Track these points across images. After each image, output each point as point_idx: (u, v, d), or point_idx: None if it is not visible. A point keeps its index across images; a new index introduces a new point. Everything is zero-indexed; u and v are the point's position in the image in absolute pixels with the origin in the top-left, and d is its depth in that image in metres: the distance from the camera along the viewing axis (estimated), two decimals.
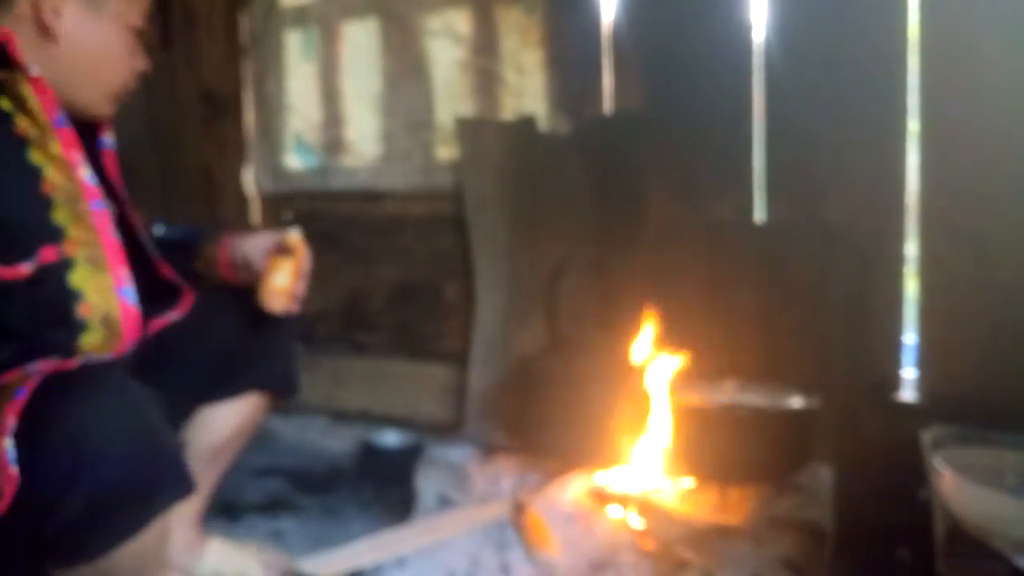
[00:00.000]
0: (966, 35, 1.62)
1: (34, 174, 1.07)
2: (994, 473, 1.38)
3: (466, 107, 2.23)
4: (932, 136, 1.69)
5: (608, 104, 2.04)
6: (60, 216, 1.08)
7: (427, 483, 1.67)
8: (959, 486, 1.31)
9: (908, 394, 1.75)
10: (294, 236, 1.32)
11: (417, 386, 2.34)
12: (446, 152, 2.28)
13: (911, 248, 1.73)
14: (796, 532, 1.37)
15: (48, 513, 0.92)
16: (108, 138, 1.28)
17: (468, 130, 2.18)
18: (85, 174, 1.12)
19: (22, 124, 1.08)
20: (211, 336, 1.34)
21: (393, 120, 2.35)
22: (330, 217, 2.41)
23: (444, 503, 1.61)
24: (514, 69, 2.16)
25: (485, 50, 2.19)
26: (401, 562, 1.40)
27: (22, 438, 0.92)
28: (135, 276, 1.28)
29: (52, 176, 1.09)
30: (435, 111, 2.28)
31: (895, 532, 1.57)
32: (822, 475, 1.56)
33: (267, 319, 1.33)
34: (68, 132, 1.11)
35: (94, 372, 1.00)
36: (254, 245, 1.35)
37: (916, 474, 1.47)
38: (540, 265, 2.09)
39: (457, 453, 1.76)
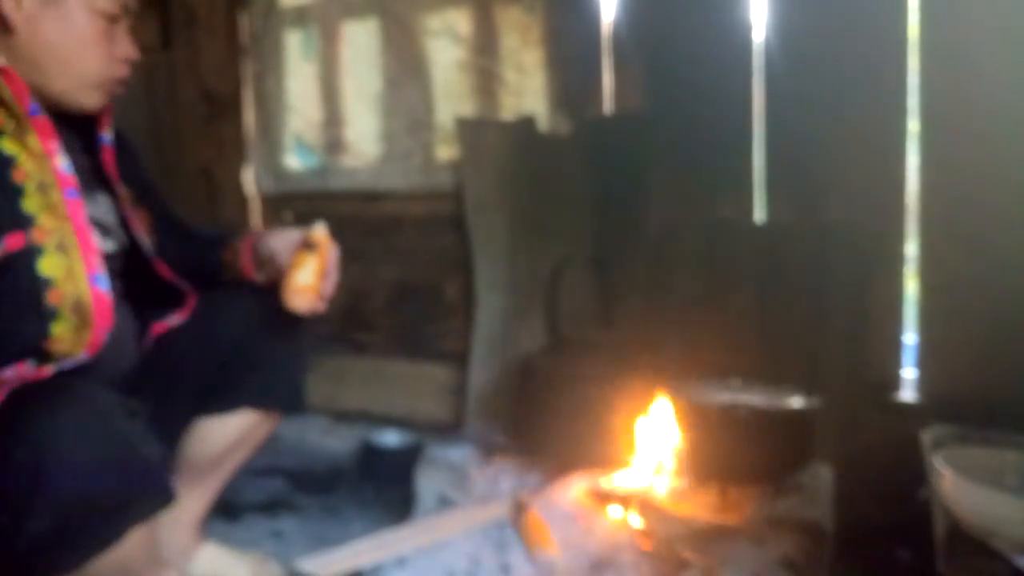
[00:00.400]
0: (966, 35, 1.62)
1: (5, 163, 1.06)
2: (994, 473, 1.38)
3: (466, 107, 2.23)
4: (932, 136, 1.69)
5: (608, 104, 2.04)
6: (31, 204, 1.07)
7: (427, 483, 1.67)
8: (959, 486, 1.31)
9: (908, 394, 1.75)
10: (320, 231, 1.27)
11: (417, 386, 2.34)
12: (446, 152, 2.28)
13: (911, 248, 1.73)
14: (796, 532, 1.37)
15: (16, 527, 0.91)
16: (108, 134, 1.27)
17: (468, 130, 2.18)
18: (61, 163, 1.11)
19: None
20: (210, 346, 1.31)
21: (393, 120, 2.35)
22: (330, 217, 2.40)
23: (444, 503, 1.61)
24: (514, 69, 2.16)
25: (485, 50, 2.19)
26: (401, 562, 1.40)
27: None
28: (134, 276, 1.28)
29: (26, 164, 1.08)
30: (435, 111, 2.28)
31: (895, 532, 1.57)
32: (822, 475, 1.56)
33: (276, 327, 1.30)
34: (43, 121, 1.10)
35: (62, 384, 0.98)
36: (280, 240, 1.32)
37: (916, 474, 1.47)
38: (540, 265, 2.09)
39: (457, 453, 1.76)
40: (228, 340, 1.31)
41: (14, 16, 1.09)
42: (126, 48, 1.20)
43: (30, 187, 1.08)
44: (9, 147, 1.07)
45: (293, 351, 1.37)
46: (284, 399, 1.38)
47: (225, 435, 1.35)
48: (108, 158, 1.27)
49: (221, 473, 1.40)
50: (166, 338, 1.31)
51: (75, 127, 1.21)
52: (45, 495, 0.90)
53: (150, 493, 1.02)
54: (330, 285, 1.27)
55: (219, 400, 1.32)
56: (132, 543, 0.99)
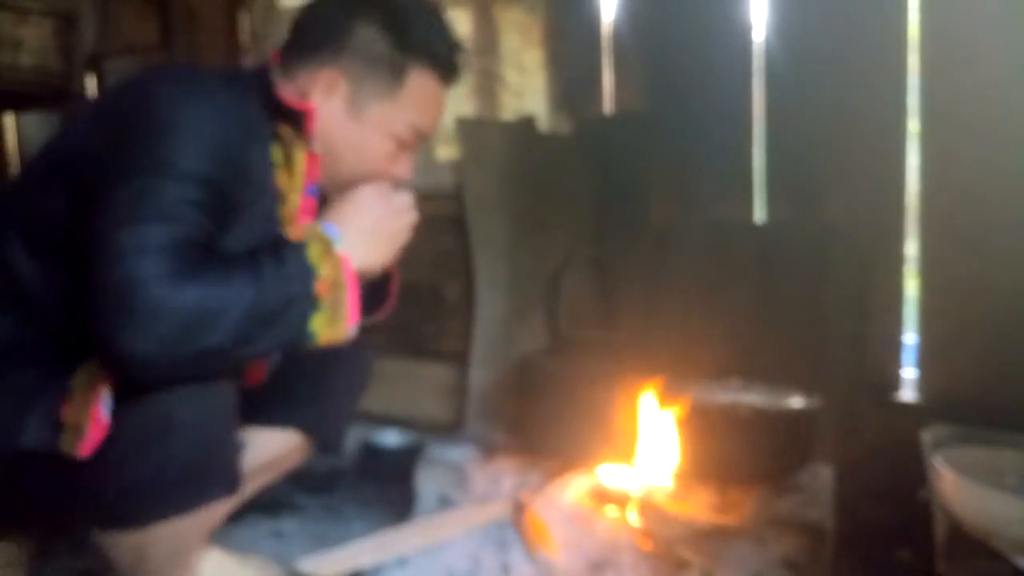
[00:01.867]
0: (966, 35, 1.62)
1: (277, 225, 1.13)
2: (994, 473, 1.38)
3: (466, 107, 2.23)
4: (932, 136, 1.69)
5: (608, 104, 2.04)
6: None
7: (427, 483, 1.66)
8: (959, 486, 1.31)
9: (908, 394, 1.75)
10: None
11: (417, 386, 2.34)
12: (446, 152, 2.28)
13: (911, 248, 1.74)
14: (796, 532, 1.37)
15: (120, 470, 0.98)
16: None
17: (468, 130, 2.18)
18: None
19: (282, 178, 1.12)
20: (288, 360, 1.34)
21: None
22: None
23: (444, 503, 1.61)
24: (514, 69, 2.16)
25: (486, 50, 2.19)
26: (401, 562, 1.40)
27: (121, 393, 0.97)
28: None
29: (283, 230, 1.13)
30: None
31: (895, 532, 1.57)
32: (822, 475, 1.56)
33: (348, 366, 1.36)
34: (311, 201, 1.17)
35: None
36: None
37: (916, 474, 1.47)
38: (540, 265, 2.09)
39: (457, 453, 1.76)
40: (304, 359, 1.32)
41: (320, 106, 1.12)
42: (404, 170, 1.21)
43: None
44: (281, 212, 1.14)
45: (353, 393, 1.44)
46: (329, 433, 1.42)
47: (263, 451, 1.35)
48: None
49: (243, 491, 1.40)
50: None
51: None
52: (162, 450, 0.98)
53: (227, 479, 1.09)
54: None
55: (274, 412, 1.35)
56: (191, 522, 1.06)
